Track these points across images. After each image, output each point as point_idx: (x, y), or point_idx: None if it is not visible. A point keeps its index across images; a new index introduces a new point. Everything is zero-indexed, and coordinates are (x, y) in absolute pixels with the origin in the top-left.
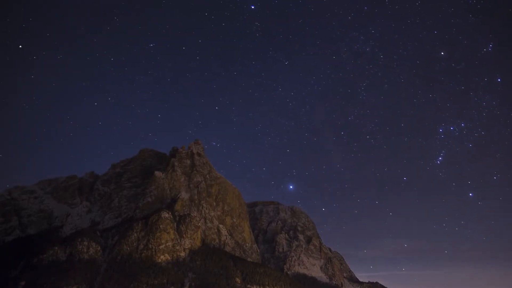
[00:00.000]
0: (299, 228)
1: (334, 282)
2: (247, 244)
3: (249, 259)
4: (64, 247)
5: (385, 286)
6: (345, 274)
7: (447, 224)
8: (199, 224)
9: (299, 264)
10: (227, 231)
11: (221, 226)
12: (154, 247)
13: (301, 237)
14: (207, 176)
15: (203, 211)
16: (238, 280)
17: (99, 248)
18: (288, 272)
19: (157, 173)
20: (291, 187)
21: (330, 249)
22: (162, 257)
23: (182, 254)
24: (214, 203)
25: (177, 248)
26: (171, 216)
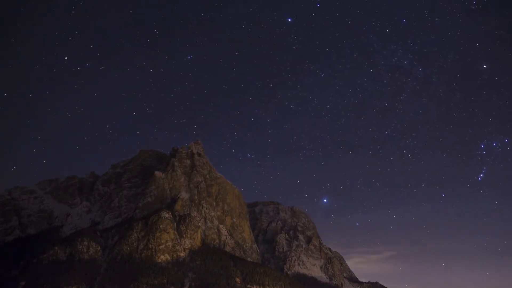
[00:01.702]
0: (299, 228)
1: (334, 282)
2: (247, 244)
3: (249, 259)
4: (64, 247)
5: (385, 286)
6: (345, 274)
7: (488, 244)
8: (199, 224)
9: (299, 264)
10: (227, 231)
11: (221, 226)
12: (154, 247)
13: (301, 237)
14: (207, 176)
15: (203, 211)
16: (238, 280)
17: (99, 248)
18: (288, 272)
19: (157, 173)
20: (325, 200)
21: (330, 249)
22: (162, 257)
23: (182, 254)
24: (214, 203)
25: (177, 248)
26: (171, 216)
